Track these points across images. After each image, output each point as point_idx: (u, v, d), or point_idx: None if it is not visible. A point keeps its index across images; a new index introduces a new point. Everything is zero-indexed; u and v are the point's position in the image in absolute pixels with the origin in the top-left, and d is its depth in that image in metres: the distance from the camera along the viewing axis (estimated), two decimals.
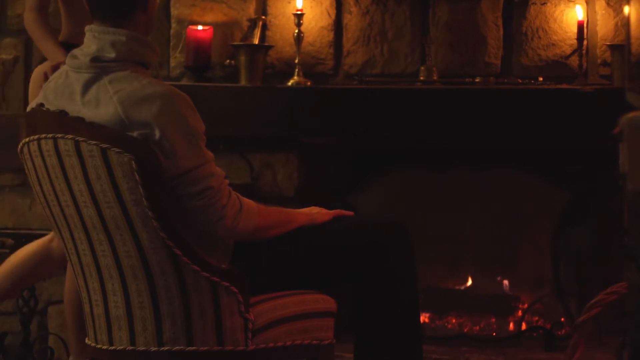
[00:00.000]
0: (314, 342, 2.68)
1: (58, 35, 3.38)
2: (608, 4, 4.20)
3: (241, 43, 4.31)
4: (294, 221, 2.71)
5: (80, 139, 2.41)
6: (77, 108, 2.46)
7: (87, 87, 2.47)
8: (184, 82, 4.25)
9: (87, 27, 2.54)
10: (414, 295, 2.76)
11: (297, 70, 4.23)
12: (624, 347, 2.81)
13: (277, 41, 4.36)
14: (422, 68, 4.25)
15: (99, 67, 2.47)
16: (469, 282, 4.41)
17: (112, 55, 2.47)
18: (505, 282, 4.38)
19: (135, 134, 2.40)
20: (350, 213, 2.83)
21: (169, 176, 2.43)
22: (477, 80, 4.19)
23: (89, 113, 2.44)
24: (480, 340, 4.19)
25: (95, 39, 2.49)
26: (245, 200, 2.58)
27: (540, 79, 4.18)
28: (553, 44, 4.26)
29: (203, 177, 2.46)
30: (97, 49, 2.48)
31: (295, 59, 4.25)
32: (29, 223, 4.46)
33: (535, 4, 4.27)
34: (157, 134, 2.39)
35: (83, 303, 2.62)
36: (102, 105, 2.43)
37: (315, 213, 2.76)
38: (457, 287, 4.42)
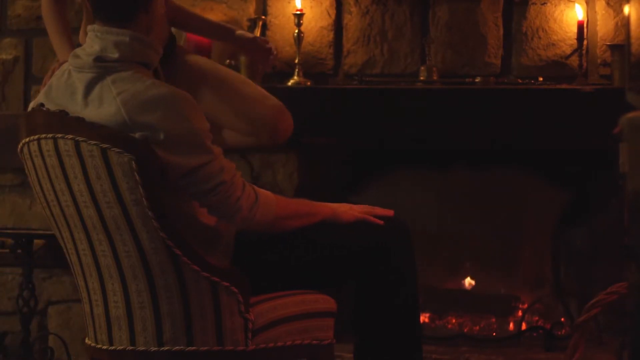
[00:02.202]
0: (314, 342, 2.68)
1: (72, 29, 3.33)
2: (608, 4, 4.20)
3: None
4: (316, 214, 2.70)
5: (81, 139, 2.41)
6: (79, 107, 2.46)
7: (90, 86, 2.47)
8: None
9: (89, 27, 2.54)
10: (414, 296, 2.76)
11: (297, 70, 4.24)
12: (624, 347, 2.82)
13: (277, 41, 4.36)
14: (422, 68, 4.25)
15: (102, 67, 2.47)
16: (469, 282, 4.41)
17: (116, 55, 2.47)
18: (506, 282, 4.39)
19: (137, 135, 2.40)
20: (382, 211, 2.80)
21: (176, 175, 2.43)
22: (477, 80, 4.19)
23: (91, 113, 2.44)
24: (480, 340, 4.19)
25: (97, 39, 2.49)
26: (262, 191, 2.59)
27: (540, 79, 4.18)
28: (553, 44, 4.26)
29: (214, 173, 2.46)
30: (101, 49, 2.48)
31: (295, 59, 4.25)
32: (29, 223, 4.46)
33: (535, 4, 4.27)
34: (162, 135, 2.40)
35: (83, 303, 2.62)
36: (105, 105, 2.43)
37: (342, 212, 2.74)
38: (457, 287, 4.42)
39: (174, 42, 3.08)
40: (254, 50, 3.36)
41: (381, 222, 2.76)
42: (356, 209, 2.77)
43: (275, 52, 3.37)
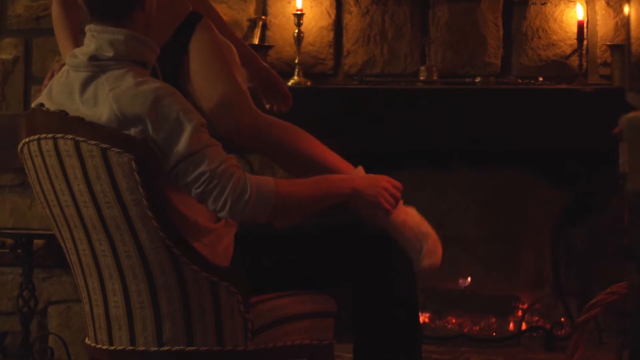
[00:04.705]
0: (314, 342, 2.68)
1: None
2: (608, 4, 4.21)
3: None
4: (334, 195, 2.60)
5: (80, 139, 2.41)
6: (76, 106, 2.47)
7: (85, 85, 2.47)
8: None
9: (86, 27, 2.54)
10: (414, 295, 2.76)
11: (297, 70, 4.23)
12: (624, 347, 2.81)
13: (277, 41, 4.36)
14: (422, 68, 4.25)
15: (97, 66, 2.47)
16: (469, 282, 4.41)
17: (110, 54, 2.47)
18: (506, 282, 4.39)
19: (132, 131, 2.40)
20: (397, 184, 2.71)
21: (167, 168, 2.41)
22: (477, 80, 4.19)
23: (87, 112, 2.44)
24: (480, 340, 4.19)
25: (94, 38, 2.50)
26: (259, 180, 2.47)
27: (540, 79, 4.18)
28: (553, 44, 4.26)
29: (196, 164, 2.41)
30: (96, 48, 2.48)
31: (295, 59, 4.25)
32: (29, 223, 4.46)
33: (535, 4, 4.27)
34: (150, 127, 2.39)
35: (83, 303, 2.62)
36: (100, 104, 2.44)
37: (365, 189, 2.63)
38: (457, 287, 4.42)
39: (195, 20, 2.83)
40: (272, 89, 3.14)
41: (391, 207, 2.69)
42: (383, 182, 2.68)
43: (290, 98, 3.16)
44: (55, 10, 3.00)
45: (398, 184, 2.72)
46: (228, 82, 2.74)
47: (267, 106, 3.17)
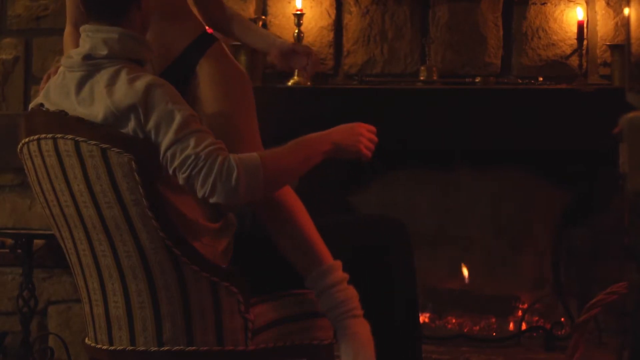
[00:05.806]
0: (314, 342, 2.67)
1: None
2: (608, 4, 4.21)
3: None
4: (316, 154, 2.58)
5: (80, 139, 2.41)
6: (73, 107, 2.47)
7: (80, 85, 2.48)
8: None
9: (81, 28, 2.55)
10: (414, 295, 2.76)
11: (297, 70, 4.23)
12: (624, 347, 2.82)
13: None
14: (422, 68, 4.25)
15: (91, 65, 2.47)
16: (469, 282, 4.41)
17: (104, 52, 2.47)
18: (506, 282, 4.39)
19: (128, 126, 2.39)
20: (372, 127, 2.66)
21: (158, 157, 2.41)
22: (477, 80, 4.20)
23: (84, 111, 2.44)
24: (480, 340, 4.19)
25: (88, 38, 2.50)
26: (241, 156, 2.44)
27: (540, 79, 4.19)
28: (553, 44, 4.26)
29: (182, 148, 2.40)
30: (90, 47, 2.48)
31: None
32: (29, 223, 4.46)
33: (535, 4, 4.27)
34: (142, 117, 2.38)
35: (83, 303, 2.62)
36: (96, 102, 2.44)
37: (343, 140, 2.60)
38: (457, 287, 4.42)
39: (207, 41, 2.82)
40: (294, 61, 3.04)
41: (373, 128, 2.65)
42: (358, 129, 2.63)
43: (317, 58, 3.06)
44: (68, 30, 3.02)
45: (372, 128, 2.67)
46: (238, 116, 2.76)
47: (306, 78, 3.15)
